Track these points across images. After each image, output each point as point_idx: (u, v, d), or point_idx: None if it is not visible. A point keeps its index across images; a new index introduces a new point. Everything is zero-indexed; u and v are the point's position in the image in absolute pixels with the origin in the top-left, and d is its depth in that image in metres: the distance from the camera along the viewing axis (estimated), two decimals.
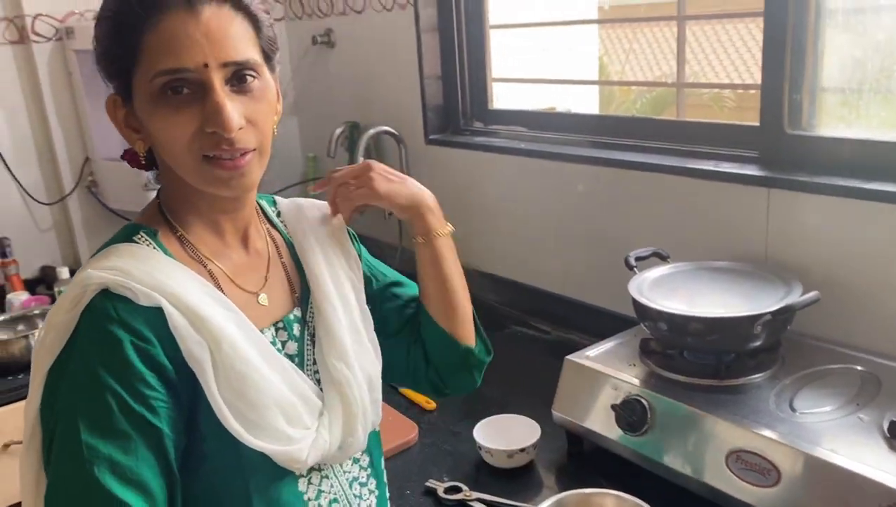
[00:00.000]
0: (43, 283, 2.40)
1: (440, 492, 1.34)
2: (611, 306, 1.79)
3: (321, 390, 0.92)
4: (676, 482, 1.22)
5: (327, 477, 0.94)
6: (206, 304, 0.82)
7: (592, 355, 1.42)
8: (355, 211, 1.03)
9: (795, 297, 1.26)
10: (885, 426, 1.09)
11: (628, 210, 1.74)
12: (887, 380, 1.23)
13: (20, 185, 2.36)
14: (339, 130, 2.42)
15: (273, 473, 0.86)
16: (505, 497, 1.31)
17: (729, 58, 6.25)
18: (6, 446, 1.85)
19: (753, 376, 1.28)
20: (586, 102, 2.34)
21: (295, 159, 2.84)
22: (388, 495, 1.07)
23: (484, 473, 1.40)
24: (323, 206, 1.05)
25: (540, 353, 1.87)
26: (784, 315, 1.24)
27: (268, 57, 0.86)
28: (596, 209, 1.82)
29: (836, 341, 1.37)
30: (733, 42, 6.20)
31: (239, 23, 0.81)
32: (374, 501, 1.02)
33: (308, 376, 0.92)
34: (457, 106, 2.22)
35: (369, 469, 1.02)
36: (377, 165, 1.01)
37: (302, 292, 0.96)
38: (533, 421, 1.43)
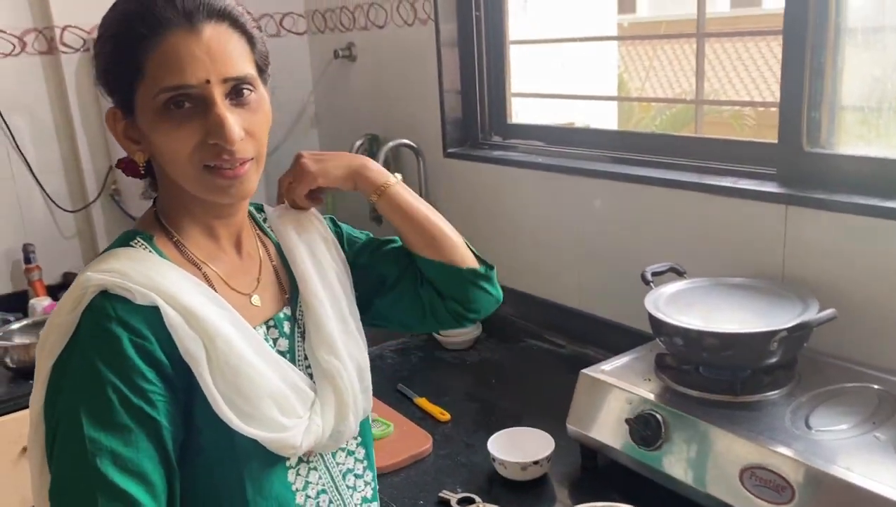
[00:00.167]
0: (65, 289, 2.42)
1: (453, 503, 1.34)
2: (626, 322, 1.79)
3: (313, 382, 0.97)
4: (690, 498, 1.22)
5: (315, 469, 0.99)
6: (201, 303, 0.86)
7: (607, 370, 1.42)
8: (309, 199, 1.07)
9: (812, 314, 1.26)
10: None
11: (645, 225, 1.74)
12: None
13: (45, 193, 2.40)
14: (358, 143, 2.45)
15: (265, 464, 0.91)
16: None
17: (750, 76, 6.24)
18: (25, 449, 1.88)
19: (769, 393, 1.27)
20: (605, 119, 2.34)
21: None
22: (377, 486, 1.11)
23: (497, 485, 1.40)
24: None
25: (555, 367, 1.87)
26: (800, 332, 1.23)
27: (261, 70, 0.92)
28: (613, 224, 1.82)
29: (853, 360, 1.36)
30: (754, 60, 6.19)
31: (236, 40, 0.87)
32: (370, 492, 1.07)
33: (300, 369, 0.97)
34: (475, 120, 2.24)
35: (365, 461, 1.06)
36: (305, 153, 1.07)
37: (291, 292, 1.02)
38: (547, 434, 1.43)
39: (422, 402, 1.71)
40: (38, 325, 2.11)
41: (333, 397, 0.97)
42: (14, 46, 2.30)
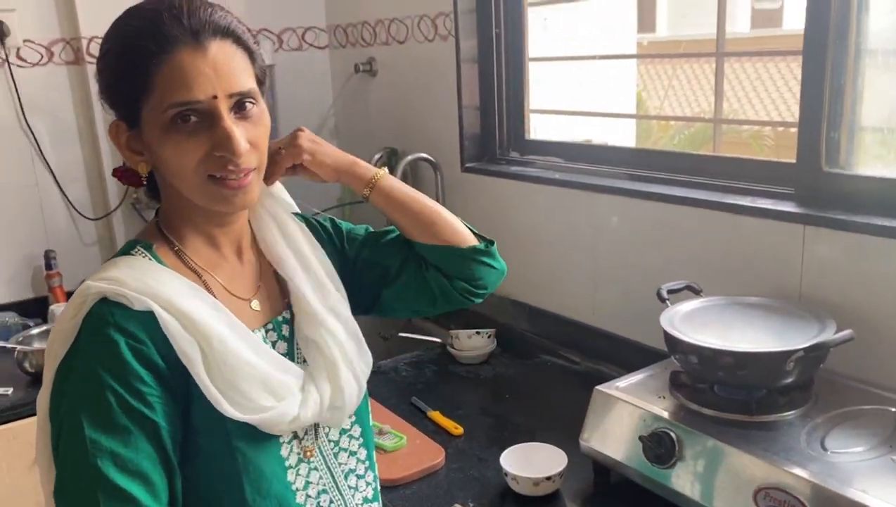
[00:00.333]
0: None
1: None
2: (641, 339, 1.78)
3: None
4: None
5: (316, 469, 1.01)
6: (197, 307, 0.89)
7: (622, 386, 1.41)
8: (287, 174, 1.10)
9: (829, 335, 1.25)
10: None
11: (662, 243, 1.74)
12: None
13: (68, 200, 2.43)
14: (377, 156, 2.46)
15: (263, 463, 0.94)
16: None
17: (769, 96, 6.22)
18: None
19: (784, 414, 1.26)
20: (623, 138, 2.35)
21: (332, 183, 2.89)
22: (378, 488, 1.13)
23: (509, 500, 1.40)
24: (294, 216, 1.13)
25: (569, 383, 1.87)
26: (817, 353, 1.23)
27: (261, 83, 0.95)
28: (629, 241, 1.82)
29: (871, 382, 1.35)
30: (773, 80, 6.17)
31: (240, 56, 0.90)
32: (371, 492, 1.09)
33: (299, 366, 1.00)
34: (494, 135, 2.25)
35: (367, 462, 1.09)
36: (305, 131, 1.09)
37: (291, 290, 1.04)
38: (560, 450, 1.43)
39: (435, 415, 1.72)
40: None
41: (325, 368, 1.00)
42: (42, 56, 2.34)
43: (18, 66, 2.30)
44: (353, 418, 1.08)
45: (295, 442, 0.99)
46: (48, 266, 2.35)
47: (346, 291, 1.08)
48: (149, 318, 0.86)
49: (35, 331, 2.12)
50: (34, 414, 1.90)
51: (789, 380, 1.25)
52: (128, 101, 0.89)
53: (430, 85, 2.36)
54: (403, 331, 2.23)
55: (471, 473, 1.50)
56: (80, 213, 2.46)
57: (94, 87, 2.40)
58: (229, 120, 0.88)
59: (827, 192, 1.48)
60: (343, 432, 1.06)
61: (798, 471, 1.10)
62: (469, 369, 2.01)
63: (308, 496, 1.00)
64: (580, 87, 2.31)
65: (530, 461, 1.42)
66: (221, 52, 0.88)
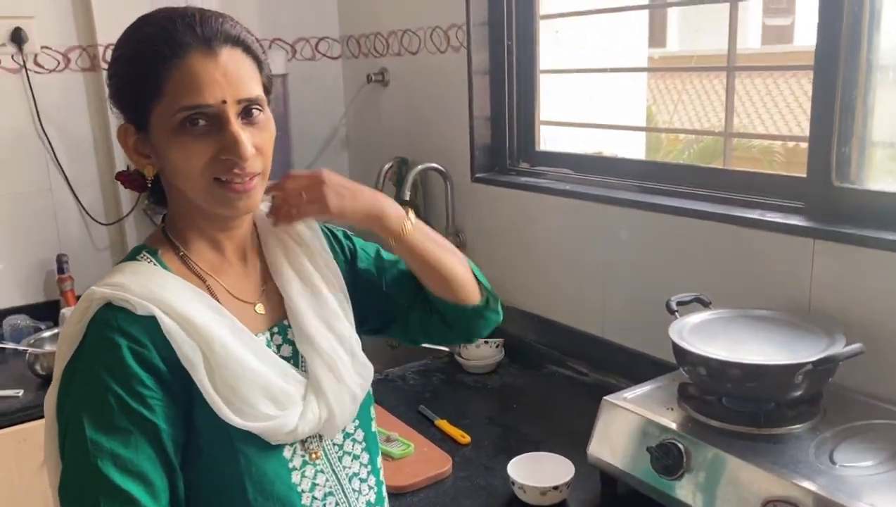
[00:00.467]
0: None
1: None
2: (650, 351, 1.78)
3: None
4: None
5: (322, 471, 1.02)
6: (199, 311, 0.91)
7: (630, 397, 1.42)
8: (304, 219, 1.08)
9: (838, 348, 1.25)
10: None
11: (672, 255, 1.74)
12: None
13: (81, 205, 2.45)
14: (388, 165, 2.48)
15: (266, 464, 0.95)
16: None
17: (779, 112, 6.23)
18: None
19: (793, 427, 1.26)
20: (633, 151, 2.35)
21: None
22: (385, 494, 1.14)
23: None
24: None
25: (577, 394, 1.87)
26: (826, 366, 1.23)
27: (267, 92, 0.97)
28: (639, 253, 1.83)
29: (880, 397, 1.35)
30: (783, 96, 6.17)
31: (249, 64, 0.93)
32: (374, 496, 1.10)
33: (301, 372, 1.01)
34: (504, 146, 2.27)
35: (369, 466, 1.10)
36: (330, 178, 1.05)
37: (283, 294, 1.04)
38: (567, 460, 1.43)
39: (442, 424, 1.72)
40: None
41: (323, 383, 1.00)
42: (59, 62, 2.37)
43: (36, 72, 2.33)
44: (357, 423, 1.09)
45: (298, 444, 1.00)
46: (60, 270, 2.37)
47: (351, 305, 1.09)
48: (151, 323, 0.88)
49: (46, 334, 2.14)
50: (43, 416, 1.92)
51: (798, 393, 1.25)
52: (138, 103, 0.91)
53: (441, 96, 2.38)
54: None
55: (478, 481, 1.50)
56: (92, 218, 2.48)
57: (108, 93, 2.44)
58: (237, 124, 0.91)
59: (837, 206, 1.49)
60: (346, 436, 1.07)
61: (806, 484, 1.10)
62: (477, 378, 2.01)
63: (314, 497, 1.00)
64: (590, 99, 2.32)
65: (537, 471, 1.42)
66: (231, 60, 0.91)
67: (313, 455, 1.02)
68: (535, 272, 2.13)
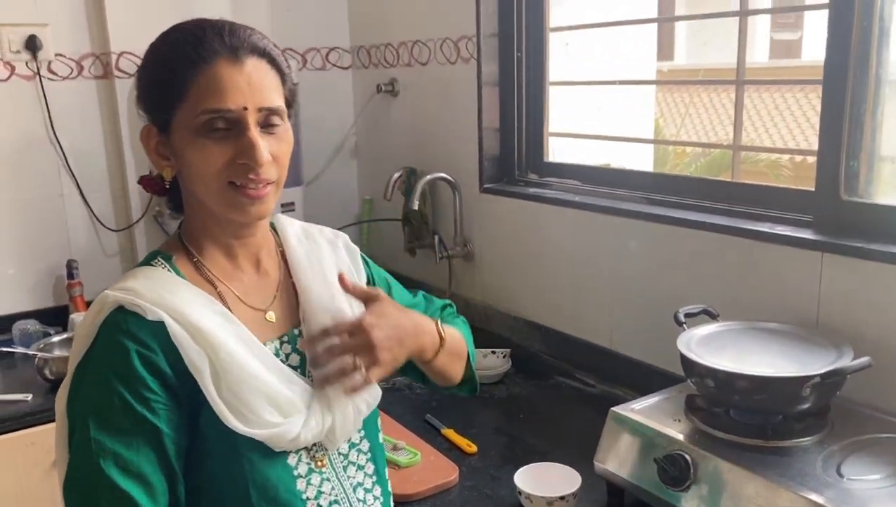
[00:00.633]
0: None
1: None
2: (657, 363, 1.79)
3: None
4: None
5: (328, 480, 1.03)
6: (208, 318, 0.93)
7: (637, 408, 1.42)
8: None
9: (846, 361, 1.25)
10: None
11: (679, 267, 1.75)
12: None
13: (92, 212, 2.47)
14: (396, 175, 2.49)
15: (270, 470, 0.96)
16: None
17: (787, 126, 6.23)
18: None
19: (800, 440, 1.26)
20: (640, 164, 2.36)
21: (351, 201, 2.93)
22: (392, 504, 1.15)
23: None
24: (328, 233, 1.16)
25: (584, 405, 1.87)
26: (833, 379, 1.23)
27: (289, 105, 1.00)
28: (647, 265, 1.83)
29: (887, 411, 1.35)
30: (791, 111, 6.18)
31: (272, 76, 0.97)
32: (379, 506, 1.10)
33: (307, 382, 1.02)
34: (513, 157, 2.28)
35: (374, 477, 1.10)
36: (378, 337, 1.00)
37: (301, 304, 1.07)
38: (573, 470, 1.43)
39: (449, 433, 1.72)
40: None
41: (329, 393, 1.01)
42: (72, 70, 2.40)
43: (49, 79, 2.35)
44: (362, 434, 1.09)
45: (303, 452, 1.01)
46: (70, 276, 2.38)
47: None
48: (161, 328, 0.91)
49: (55, 339, 2.15)
50: (53, 420, 1.93)
51: (805, 406, 1.25)
52: (162, 105, 0.94)
53: (450, 106, 2.40)
54: None
55: (484, 491, 1.50)
56: (102, 224, 2.49)
57: (121, 101, 2.47)
58: (255, 131, 0.93)
59: (845, 220, 1.49)
60: (352, 446, 1.08)
61: (814, 497, 1.10)
62: (483, 388, 2.00)
63: (319, 505, 1.01)
64: (599, 111, 2.33)
65: (544, 481, 1.42)
66: (256, 70, 0.94)
67: (319, 463, 1.02)
68: (542, 283, 2.14)
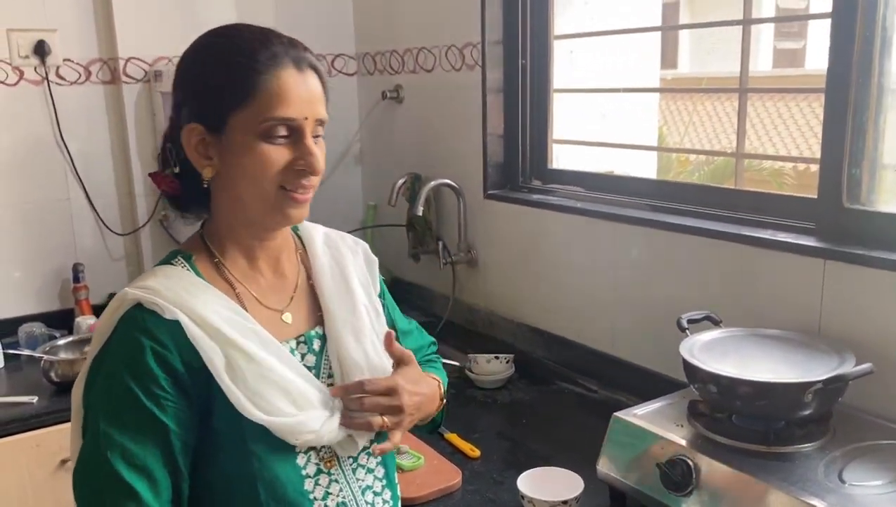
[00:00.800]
0: None
1: None
2: (660, 369, 1.79)
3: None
4: None
5: (336, 481, 1.04)
6: (225, 318, 0.96)
7: (640, 414, 1.42)
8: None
9: (848, 368, 1.26)
10: None
11: (682, 274, 1.76)
12: None
13: (98, 215, 2.49)
14: (401, 181, 2.50)
15: (279, 469, 0.98)
16: None
17: (790, 135, 6.24)
18: (64, 461, 1.93)
19: (802, 446, 1.27)
20: (643, 172, 2.37)
21: (356, 206, 2.94)
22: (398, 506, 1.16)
23: None
24: (349, 240, 1.20)
25: (586, 410, 1.88)
26: (835, 385, 1.24)
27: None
28: (650, 271, 1.84)
29: (889, 417, 1.35)
30: (794, 119, 6.19)
31: (321, 91, 1.02)
32: None
33: (322, 383, 1.05)
34: (517, 164, 2.29)
35: (384, 480, 1.12)
36: (408, 403, 1.06)
37: (323, 308, 1.10)
38: (576, 475, 1.44)
39: (452, 437, 1.73)
40: (83, 342, 2.17)
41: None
42: (80, 75, 2.42)
43: (57, 84, 2.38)
44: (373, 437, 1.10)
45: (312, 452, 1.02)
46: (76, 279, 2.40)
47: None
48: (177, 327, 0.93)
49: (61, 342, 2.16)
50: (59, 422, 1.96)
51: (807, 412, 1.26)
52: (219, 108, 0.96)
53: (455, 113, 2.41)
54: None
55: (487, 495, 1.51)
56: (108, 228, 2.51)
57: (128, 106, 2.49)
58: (311, 140, 0.99)
59: (847, 227, 1.50)
60: (362, 448, 1.08)
61: (815, 502, 1.11)
62: (487, 393, 2.02)
63: (327, 506, 1.02)
64: (603, 119, 2.34)
65: (547, 486, 1.43)
66: (314, 82, 1.00)
67: (328, 464, 1.04)
68: (545, 289, 2.15)
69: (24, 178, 2.38)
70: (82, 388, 0.97)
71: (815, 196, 1.56)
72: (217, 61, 0.97)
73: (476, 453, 1.66)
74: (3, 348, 2.19)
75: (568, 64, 2.26)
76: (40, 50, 2.31)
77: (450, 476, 1.55)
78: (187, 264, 1.01)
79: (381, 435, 1.11)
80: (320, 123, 1.00)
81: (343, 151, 2.91)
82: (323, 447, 1.03)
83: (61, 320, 2.40)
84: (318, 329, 1.08)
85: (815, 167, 1.57)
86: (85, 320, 2.32)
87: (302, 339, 1.06)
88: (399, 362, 1.10)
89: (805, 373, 1.27)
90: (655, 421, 1.39)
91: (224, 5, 2.54)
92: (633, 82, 2.37)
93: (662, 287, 1.81)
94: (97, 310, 2.44)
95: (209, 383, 0.94)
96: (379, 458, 1.11)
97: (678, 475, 1.26)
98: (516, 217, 2.22)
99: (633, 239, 1.86)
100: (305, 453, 1.01)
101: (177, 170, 1.02)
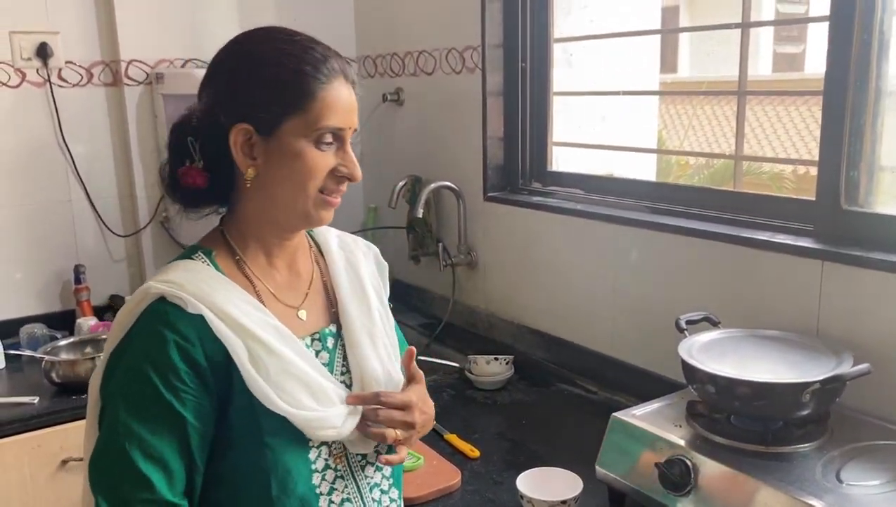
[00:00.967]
0: (110, 310, 2.51)
1: None
2: (659, 370, 1.80)
3: (348, 392, 1.07)
4: None
5: (342, 478, 1.06)
6: (245, 312, 0.98)
7: (639, 414, 1.43)
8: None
9: (846, 368, 1.27)
10: None
11: (681, 275, 1.76)
12: None
13: (99, 217, 2.50)
14: (401, 183, 2.51)
15: (291, 464, 0.99)
16: None
17: (790, 139, 6.25)
18: (64, 462, 1.94)
19: (800, 446, 1.28)
20: (643, 176, 2.38)
21: (356, 208, 2.95)
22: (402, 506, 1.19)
23: None
24: (362, 244, 1.23)
25: (585, 412, 1.88)
26: (833, 385, 1.24)
27: None
28: (649, 273, 1.85)
29: (887, 418, 1.36)
30: (794, 123, 6.20)
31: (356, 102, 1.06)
32: None
33: (336, 380, 1.07)
34: (517, 166, 2.30)
35: (391, 479, 1.14)
36: (417, 414, 1.10)
37: (339, 309, 1.13)
38: (575, 475, 1.45)
39: (452, 438, 1.73)
40: (84, 343, 2.18)
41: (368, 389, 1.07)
42: (82, 77, 2.43)
43: (59, 86, 2.39)
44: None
45: (324, 447, 1.04)
46: (77, 280, 2.41)
47: None
48: (200, 321, 0.95)
49: (62, 343, 2.16)
50: (60, 423, 1.97)
51: (805, 412, 1.27)
52: (274, 111, 0.98)
53: (455, 116, 2.42)
54: (422, 355, 2.25)
55: (487, 495, 1.51)
56: (110, 229, 2.52)
57: (130, 108, 2.50)
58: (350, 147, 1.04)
59: (846, 229, 1.51)
60: (376, 445, 1.10)
61: (813, 502, 1.11)
62: (486, 394, 2.03)
63: (332, 501, 1.04)
64: (602, 122, 2.35)
65: (546, 486, 1.43)
66: (353, 95, 1.04)
67: (337, 461, 1.05)
68: (545, 291, 2.16)
69: (26, 179, 2.39)
70: (100, 380, 0.98)
71: (814, 198, 1.57)
72: (279, 66, 0.99)
73: (476, 453, 1.67)
74: (5, 349, 2.20)
75: (567, 67, 2.28)
76: (42, 52, 2.32)
77: (449, 476, 1.55)
78: (207, 260, 1.04)
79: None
80: (356, 132, 1.05)
81: None
82: (335, 442, 1.05)
83: (62, 321, 2.41)
84: (332, 327, 1.11)
85: (814, 171, 1.57)
86: (86, 321, 2.33)
87: (316, 336, 1.08)
88: (411, 380, 1.14)
89: (803, 374, 1.28)
90: (654, 421, 1.39)
91: (225, 9, 2.56)
92: (632, 86, 2.38)
93: (661, 289, 1.81)
94: (98, 311, 2.45)
95: (229, 378, 0.96)
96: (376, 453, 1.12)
97: (677, 474, 1.27)
98: (516, 219, 2.23)
99: (633, 241, 1.87)
100: (317, 447, 1.03)
101: (201, 164, 1.03)
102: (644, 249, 1.85)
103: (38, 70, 2.35)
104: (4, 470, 1.87)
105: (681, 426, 1.38)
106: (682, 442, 1.32)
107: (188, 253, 1.05)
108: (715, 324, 1.55)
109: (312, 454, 1.02)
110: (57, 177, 2.43)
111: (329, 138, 1.00)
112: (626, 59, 2.31)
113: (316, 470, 1.03)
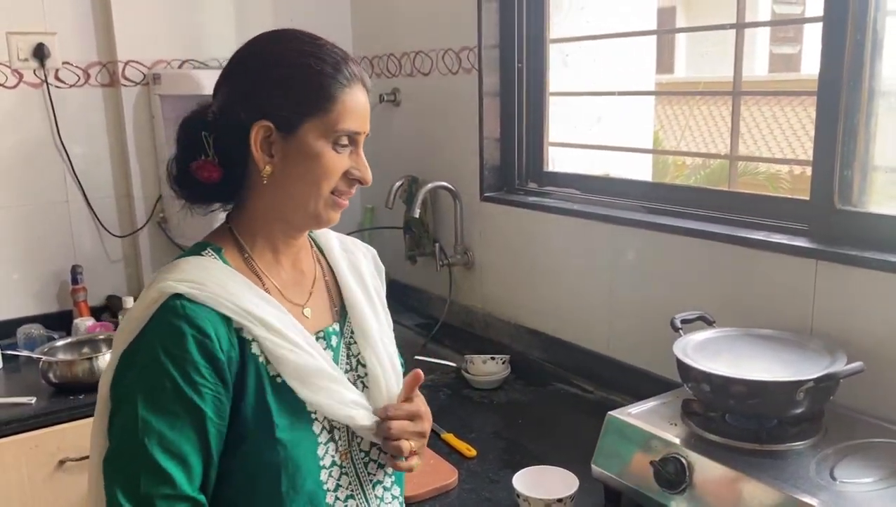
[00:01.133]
0: (108, 310, 2.52)
1: None
2: (655, 369, 1.80)
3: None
4: None
5: (347, 474, 1.07)
6: (259, 306, 1.00)
7: (634, 413, 1.44)
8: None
9: (839, 366, 1.28)
10: None
11: (676, 275, 1.77)
12: None
13: (96, 217, 2.50)
14: (398, 183, 2.52)
15: (302, 460, 1.01)
16: None
17: (786, 139, 6.27)
18: (62, 462, 1.94)
19: (794, 444, 1.28)
20: (639, 176, 2.39)
21: (353, 209, 2.95)
22: (404, 504, 1.20)
23: None
24: (361, 246, 1.26)
25: (581, 411, 1.89)
26: (827, 383, 1.25)
27: None
28: (644, 272, 1.85)
29: (880, 416, 1.37)
30: (790, 123, 6.22)
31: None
32: (397, 505, 1.15)
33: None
34: (513, 166, 2.30)
35: (393, 477, 1.16)
36: (426, 423, 1.13)
37: (340, 307, 1.15)
38: (571, 474, 1.45)
39: (449, 437, 1.74)
40: (81, 343, 2.19)
41: (376, 394, 1.10)
42: (79, 78, 2.43)
43: (56, 86, 2.39)
44: None
45: (331, 444, 1.05)
46: (74, 281, 2.41)
47: None
48: (216, 316, 0.96)
49: (59, 343, 2.16)
50: (57, 423, 1.97)
51: (799, 410, 1.27)
52: (296, 111, 1.00)
53: (452, 116, 2.42)
54: (419, 355, 2.26)
55: (483, 494, 1.52)
56: (107, 230, 2.52)
57: (127, 109, 2.50)
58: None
59: (840, 229, 1.52)
60: (374, 444, 1.12)
61: (807, 499, 1.12)
62: (483, 393, 2.03)
63: (337, 497, 1.05)
64: (598, 122, 2.36)
65: (542, 484, 1.44)
66: (367, 100, 1.06)
67: (342, 457, 1.07)
68: (541, 290, 2.16)
69: (24, 180, 2.39)
70: (110, 379, 0.98)
71: (808, 198, 1.58)
72: (304, 68, 1.00)
73: (472, 452, 1.68)
74: (2, 349, 2.20)
75: (563, 68, 2.28)
76: (39, 53, 2.33)
77: (446, 475, 1.56)
78: (217, 256, 1.04)
79: None
80: (367, 136, 1.07)
81: None
82: (340, 439, 1.07)
83: (60, 322, 2.41)
84: (335, 326, 1.12)
85: (809, 171, 1.58)
86: (83, 322, 2.33)
87: (321, 334, 1.10)
88: (409, 392, 1.14)
89: (797, 372, 1.28)
90: (649, 420, 1.40)
91: (222, 10, 2.56)
92: (629, 86, 2.39)
93: (657, 288, 1.82)
94: (95, 312, 2.45)
95: (244, 373, 0.98)
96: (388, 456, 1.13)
97: (672, 472, 1.28)
98: (512, 219, 2.24)
99: (628, 241, 1.88)
100: (325, 443, 1.04)
101: (215, 160, 1.04)
102: (640, 249, 1.86)
103: (35, 71, 2.35)
104: (2, 471, 1.87)
105: (676, 425, 1.38)
106: (677, 441, 1.32)
107: (196, 250, 1.06)
108: (710, 323, 1.56)
109: (321, 451, 1.04)
110: (54, 177, 2.43)
111: (345, 141, 1.02)
112: (622, 59, 2.32)
113: (324, 466, 1.04)
